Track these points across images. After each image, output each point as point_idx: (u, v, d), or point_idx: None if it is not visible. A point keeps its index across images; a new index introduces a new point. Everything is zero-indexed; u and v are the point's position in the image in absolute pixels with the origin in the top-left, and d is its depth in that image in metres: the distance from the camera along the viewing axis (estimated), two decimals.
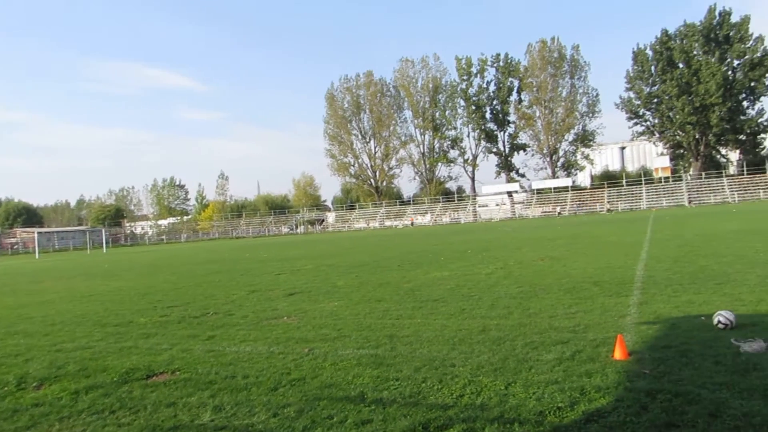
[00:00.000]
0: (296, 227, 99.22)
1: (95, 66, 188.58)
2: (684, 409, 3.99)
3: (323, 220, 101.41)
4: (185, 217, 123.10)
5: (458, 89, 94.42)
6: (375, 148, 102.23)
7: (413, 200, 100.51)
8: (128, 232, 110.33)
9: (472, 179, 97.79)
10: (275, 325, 8.50)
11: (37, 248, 66.07)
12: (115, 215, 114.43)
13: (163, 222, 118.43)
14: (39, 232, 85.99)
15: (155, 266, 26.25)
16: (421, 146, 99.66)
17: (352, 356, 6.24)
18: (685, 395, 4.23)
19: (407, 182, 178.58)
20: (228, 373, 5.83)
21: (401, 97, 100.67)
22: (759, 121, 75.44)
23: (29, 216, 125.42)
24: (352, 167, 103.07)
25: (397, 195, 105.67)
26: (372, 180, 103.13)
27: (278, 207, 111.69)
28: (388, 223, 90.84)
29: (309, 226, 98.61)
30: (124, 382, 5.76)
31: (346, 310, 9.41)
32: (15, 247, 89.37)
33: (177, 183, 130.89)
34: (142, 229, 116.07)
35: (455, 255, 19.54)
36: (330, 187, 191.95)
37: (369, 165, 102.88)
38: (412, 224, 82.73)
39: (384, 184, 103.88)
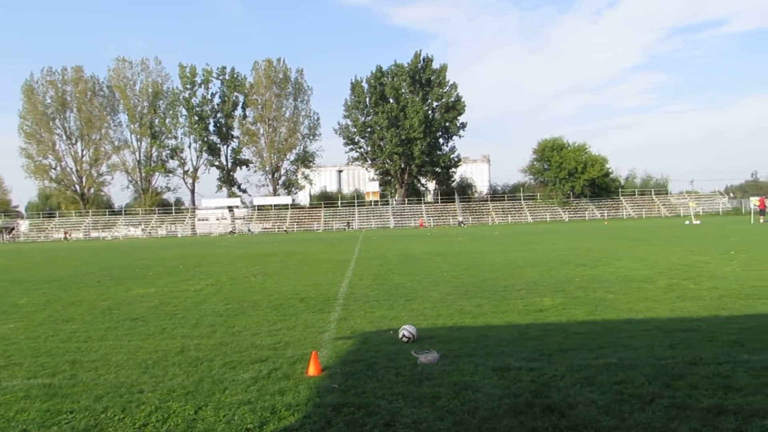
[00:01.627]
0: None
1: None
2: (364, 421, 4.21)
3: (13, 229, 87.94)
4: None
5: (180, 98, 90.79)
6: (83, 151, 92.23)
7: (125, 210, 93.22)
8: None
9: (192, 191, 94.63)
10: None
11: None
12: None
13: None
14: None
15: None
16: (137, 153, 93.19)
17: (19, 388, 5.37)
18: (367, 407, 4.49)
19: (119, 191, 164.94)
20: None
21: (116, 99, 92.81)
22: (451, 156, 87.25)
23: None
24: (53, 170, 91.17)
25: (107, 204, 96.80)
26: (77, 186, 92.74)
27: None
28: (95, 234, 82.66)
29: None
30: None
31: (23, 333, 8.16)
32: None
33: None
34: None
35: (165, 270, 18.49)
36: (24, 191, 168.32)
37: (74, 169, 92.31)
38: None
39: (92, 191, 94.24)
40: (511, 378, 5.16)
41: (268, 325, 8.20)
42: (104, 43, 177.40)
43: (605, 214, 78.17)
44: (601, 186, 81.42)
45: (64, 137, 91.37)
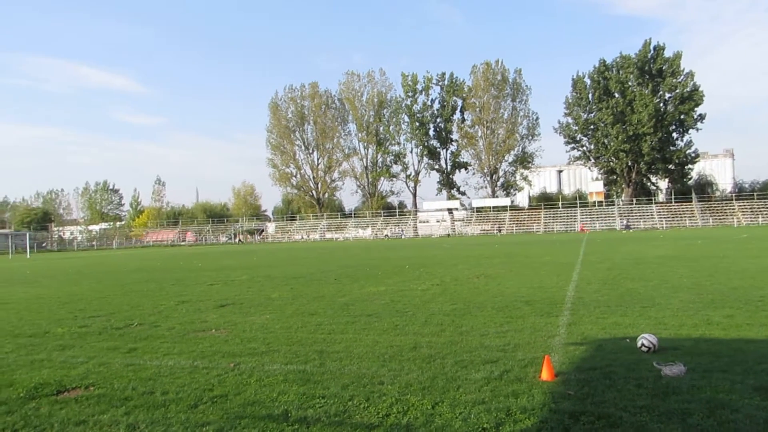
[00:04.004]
0: (235, 236, 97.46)
1: (23, 61, 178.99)
2: None
3: (263, 230, 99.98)
4: (118, 223, 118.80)
5: (403, 105, 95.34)
6: (318, 159, 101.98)
7: (355, 213, 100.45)
8: (56, 237, 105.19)
9: (414, 195, 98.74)
10: (202, 338, 8.21)
11: None
12: (42, 219, 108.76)
13: (95, 227, 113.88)
14: None
15: (81, 273, 25.14)
16: (364, 160, 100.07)
17: (279, 372, 6.06)
18: (608, 418, 4.27)
19: (349, 195, 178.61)
20: (146, 389, 5.55)
21: (346, 110, 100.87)
22: (687, 152, 79.28)
23: None
24: (294, 178, 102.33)
25: (338, 207, 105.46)
26: (314, 191, 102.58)
27: (217, 215, 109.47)
28: (329, 235, 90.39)
29: (248, 236, 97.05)
30: (32, 398, 5.38)
31: (278, 324, 9.19)
32: None
33: (110, 187, 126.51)
34: (71, 234, 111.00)
35: (393, 270, 19.52)
36: (271, 197, 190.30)
37: (311, 176, 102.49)
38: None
39: (326, 196, 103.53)
40: None
41: (495, 326, 8.22)
42: (332, 59, 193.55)
43: None
44: None
45: (303, 147, 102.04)
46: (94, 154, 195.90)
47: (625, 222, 72.82)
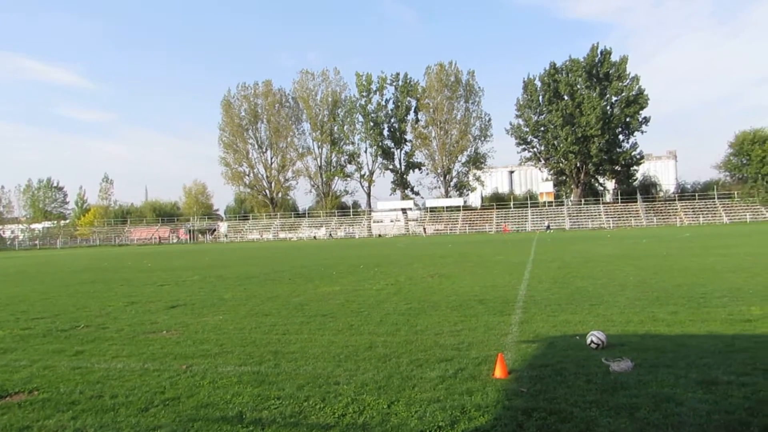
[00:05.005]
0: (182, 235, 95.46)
1: None
2: (557, 428, 4.11)
3: (215, 230, 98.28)
4: (62, 222, 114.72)
5: (357, 105, 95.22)
6: (271, 158, 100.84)
7: (309, 213, 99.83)
8: None
9: (368, 195, 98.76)
10: (153, 339, 8.02)
11: None
12: None
13: (38, 226, 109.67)
14: None
15: (23, 273, 24.23)
16: (319, 159, 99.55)
17: (233, 373, 5.99)
18: (559, 413, 4.38)
19: (303, 195, 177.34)
20: (94, 393, 5.39)
21: (300, 109, 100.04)
22: (632, 154, 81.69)
23: None
24: (246, 177, 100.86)
25: (292, 207, 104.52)
26: (267, 191, 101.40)
27: (167, 214, 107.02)
28: (282, 235, 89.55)
29: (200, 236, 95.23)
30: None
31: (231, 325, 9.07)
32: None
33: (55, 184, 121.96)
34: (12, 233, 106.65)
35: (348, 270, 19.50)
36: (223, 196, 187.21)
37: (264, 175, 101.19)
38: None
39: (279, 195, 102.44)
40: (720, 393, 4.72)
41: (449, 325, 8.31)
42: (287, 57, 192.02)
43: None
44: None
45: (256, 146, 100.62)
46: (38, 150, 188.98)
47: (546, 223, 74.83)
